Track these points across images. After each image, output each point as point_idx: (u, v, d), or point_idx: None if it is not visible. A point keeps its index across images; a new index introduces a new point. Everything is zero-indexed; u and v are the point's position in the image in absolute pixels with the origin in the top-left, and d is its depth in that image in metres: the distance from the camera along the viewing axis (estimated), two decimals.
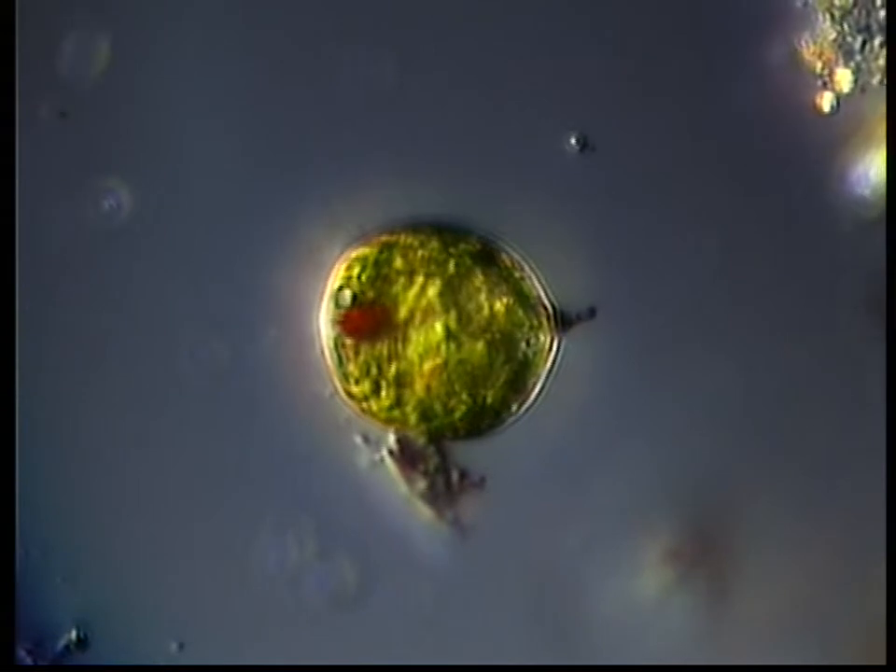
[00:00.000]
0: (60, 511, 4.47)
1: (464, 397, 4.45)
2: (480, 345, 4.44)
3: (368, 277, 4.44)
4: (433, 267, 4.45)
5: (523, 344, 4.45)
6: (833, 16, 4.41)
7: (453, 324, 4.44)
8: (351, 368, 4.45)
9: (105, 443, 4.47)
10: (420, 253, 4.45)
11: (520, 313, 4.45)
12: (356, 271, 4.44)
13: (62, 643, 4.45)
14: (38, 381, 4.44)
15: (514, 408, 4.46)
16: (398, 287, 4.44)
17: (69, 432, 4.48)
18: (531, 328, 4.45)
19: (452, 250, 4.45)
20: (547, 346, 4.45)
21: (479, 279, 4.45)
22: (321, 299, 4.45)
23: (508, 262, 4.47)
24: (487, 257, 4.46)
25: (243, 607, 4.48)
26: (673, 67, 4.43)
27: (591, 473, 4.48)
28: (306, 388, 4.47)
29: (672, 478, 4.48)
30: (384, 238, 4.45)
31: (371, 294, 4.45)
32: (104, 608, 4.48)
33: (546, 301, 4.45)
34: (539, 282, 4.46)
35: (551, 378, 4.45)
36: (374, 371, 4.44)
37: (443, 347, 4.44)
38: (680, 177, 4.45)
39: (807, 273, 4.48)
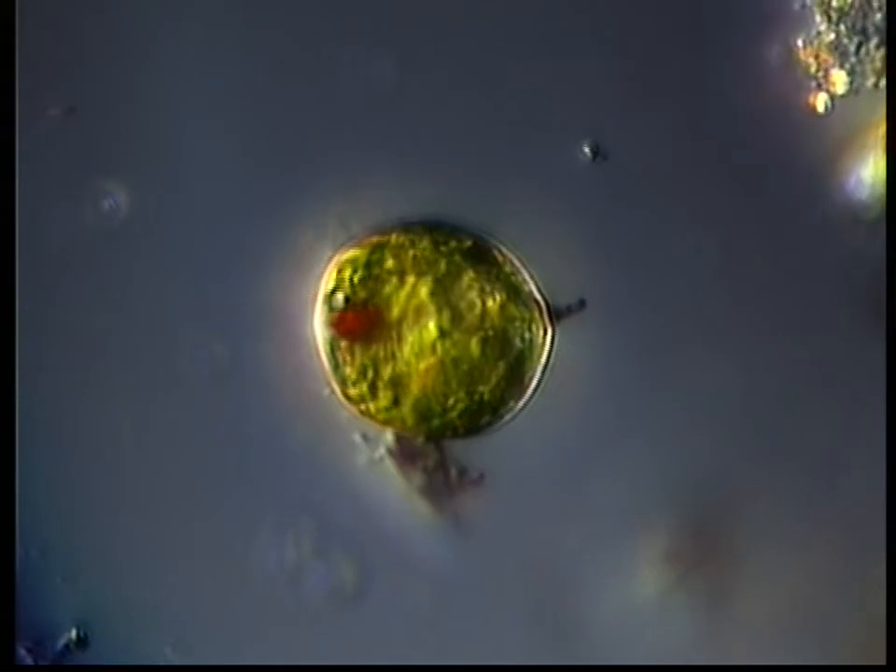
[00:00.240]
0: (60, 511, 4.46)
1: (461, 395, 4.45)
2: (474, 343, 4.44)
3: (360, 279, 4.44)
4: (424, 266, 4.45)
5: (517, 340, 4.45)
6: (829, 17, 4.42)
7: (446, 323, 4.44)
8: (348, 370, 4.45)
9: (105, 443, 4.47)
10: (411, 252, 4.45)
11: (512, 308, 4.45)
12: (348, 273, 4.44)
13: (62, 643, 4.45)
14: (38, 381, 4.44)
15: (512, 404, 4.46)
16: (390, 288, 4.44)
17: (69, 432, 4.47)
18: (524, 322, 4.45)
19: (443, 248, 4.45)
20: (541, 340, 4.45)
21: (470, 276, 4.45)
22: (315, 301, 4.45)
23: (499, 258, 4.46)
24: (479, 254, 4.46)
25: (242, 606, 4.47)
26: (672, 66, 4.44)
27: (591, 473, 4.48)
28: (304, 389, 4.47)
29: (672, 478, 4.47)
30: (375, 239, 4.45)
31: (363, 295, 4.45)
32: (104, 608, 4.48)
33: (538, 296, 4.45)
34: (531, 277, 4.46)
35: (547, 372, 4.45)
36: (371, 372, 4.44)
37: (438, 346, 4.44)
38: (680, 177, 4.45)
39: (807, 273, 4.48)
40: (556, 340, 4.45)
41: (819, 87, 4.43)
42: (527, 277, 4.46)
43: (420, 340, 4.44)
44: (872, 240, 4.41)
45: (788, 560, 4.46)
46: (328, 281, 4.45)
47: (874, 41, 4.40)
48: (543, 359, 4.46)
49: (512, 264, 4.46)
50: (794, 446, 4.47)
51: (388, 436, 4.47)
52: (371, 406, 4.46)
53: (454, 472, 4.48)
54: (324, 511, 4.49)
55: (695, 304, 4.48)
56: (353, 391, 4.46)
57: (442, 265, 4.45)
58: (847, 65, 4.42)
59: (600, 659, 4.46)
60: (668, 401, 4.46)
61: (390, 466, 4.47)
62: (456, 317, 4.45)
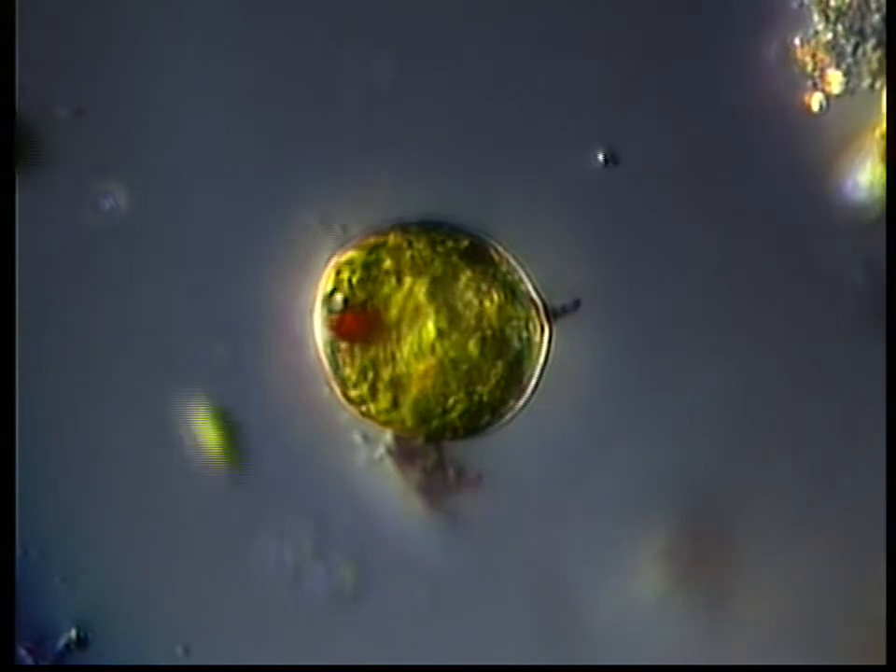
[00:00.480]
0: (60, 511, 4.46)
1: (460, 395, 4.45)
2: (472, 343, 4.44)
3: (359, 280, 4.44)
4: (421, 267, 4.45)
5: (515, 340, 4.45)
6: (827, 17, 4.42)
7: (444, 323, 4.44)
8: (348, 371, 4.45)
9: (106, 443, 4.47)
10: (408, 253, 4.45)
11: (510, 308, 4.45)
12: (346, 274, 4.44)
13: (62, 643, 4.44)
14: (38, 381, 4.44)
15: (511, 404, 4.46)
16: (388, 289, 4.44)
17: (69, 432, 4.47)
18: (522, 321, 4.45)
19: (440, 249, 4.45)
20: (539, 340, 4.45)
21: (468, 276, 4.45)
22: (314, 302, 4.46)
23: (496, 258, 4.47)
24: (476, 254, 4.46)
25: (242, 607, 4.47)
26: (668, 63, 4.44)
27: (590, 473, 4.47)
28: (304, 390, 4.47)
29: (672, 478, 4.47)
30: (372, 240, 4.45)
31: (362, 297, 4.45)
32: (104, 608, 4.47)
33: (535, 295, 4.45)
34: (528, 276, 4.46)
35: (545, 372, 4.45)
36: (370, 374, 4.44)
37: (436, 347, 4.44)
38: (677, 175, 4.46)
39: (807, 273, 4.48)
40: (555, 339, 4.45)
41: (815, 86, 4.44)
42: (524, 277, 4.46)
43: (419, 341, 4.44)
44: (871, 240, 4.42)
45: (788, 560, 4.46)
46: (326, 282, 4.45)
47: (871, 42, 4.41)
48: (542, 359, 4.46)
49: (509, 264, 4.46)
50: (794, 446, 4.47)
51: (387, 436, 4.47)
52: (372, 407, 4.45)
53: (452, 472, 4.48)
54: (323, 512, 4.49)
55: (695, 304, 4.47)
56: (353, 392, 4.45)
57: (440, 265, 4.45)
58: (844, 66, 4.43)
59: (600, 659, 4.46)
60: (668, 401, 4.46)
61: (389, 466, 4.46)
62: (454, 318, 4.45)
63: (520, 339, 4.46)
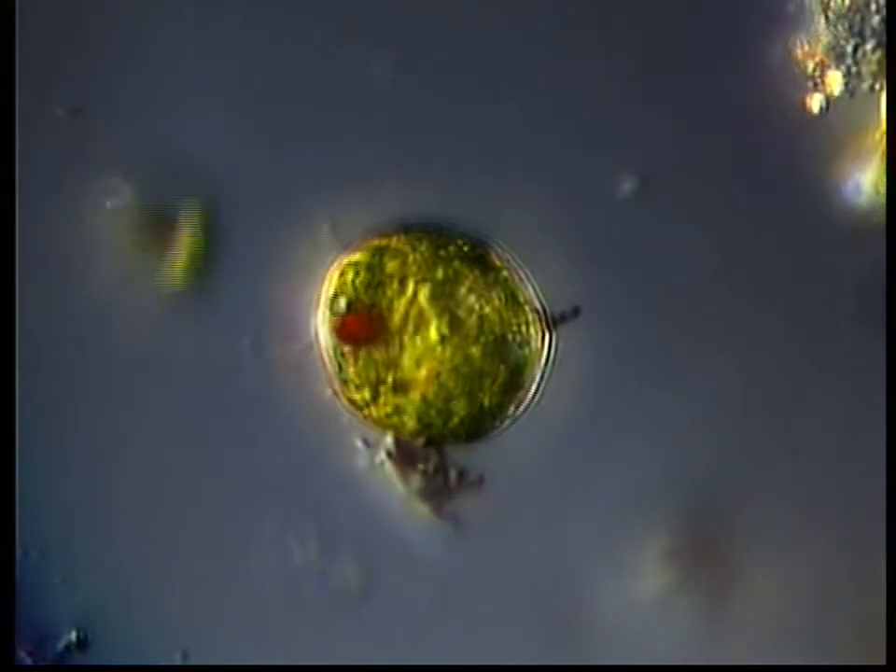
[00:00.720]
0: (60, 511, 4.46)
1: (462, 401, 4.45)
2: (474, 349, 4.44)
3: (362, 282, 4.44)
4: (424, 271, 4.44)
5: (516, 344, 4.45)
6: (828, 18, 4.43)
7: (446, 328, 4.44)
8: (351, 373, 4.45)
9: (106, 443, 4.47)
10: (411, 257, 4.44)
11: (511, 313, 4.45)
12: (349, 276, 4.44)
13: (62, 644, 4.44)
14: (38, 381, 4.43)
15: (513, 408, 4.46)
16: (391, 293, 4.44)
17: (69, 432, 4.47)
18: (523, 326, 4.45)
19: (442, 253, 4.45)
20: (539, 346, 4.45)
21: (470, 281, 4.45)
22: (318, 305, 4.46)
23: (498, 263, 4.47)
24: (478, 258, 4.46)
25: (243, 607, 4.47)
26: (668, 65, 4.44)
27: (590, 473, 4.47)
28: (307, 391, 4.47)
29: (672, 478, 4.47)
30: (376, 242, 4.45)
31: (365, 299, 4.44)
32: (104, 608, 4.47)
33: (536, 302, 4.45)
34: (530, 282, 4.46)
35: (546, 377, 4.45)
36: (373, 377, 4.44)
37: (438, 352, 4.44)
38: (677, 175, 4.46)
39: (807, 272, 4.48)
40: (556, 343, 4.45)
41: (816, 87, 4.45)
42: (526, 281, 4.46)
43: (421, 345, 4.44)
44: (871, 241, 4.42)
45: (788, 560, 4.46)
46: (329, 285, 4.45)
47: (870, 44, 4.42)
48: (543, 363, 4.46)
49: (511, 268, 4.46)
50: (794, 446, 4.47)
51: (388, 439, 4.47)
52: (374, 411, 4.45)
53: (453, 475, 4.48)
54: (325, 514, 4.49)
55: (695, 305, 4.48)
56: (356, 396, 4.45)
57: (442, 270, 4.45)
58: (844, 67, 4.43)
59: (600, 659, 4.46)
60: (668, 401, 4.46)
61: (390, 468, 4.46)
62: (456, 323, 4.45)
63: (522, 344, 4.46)
